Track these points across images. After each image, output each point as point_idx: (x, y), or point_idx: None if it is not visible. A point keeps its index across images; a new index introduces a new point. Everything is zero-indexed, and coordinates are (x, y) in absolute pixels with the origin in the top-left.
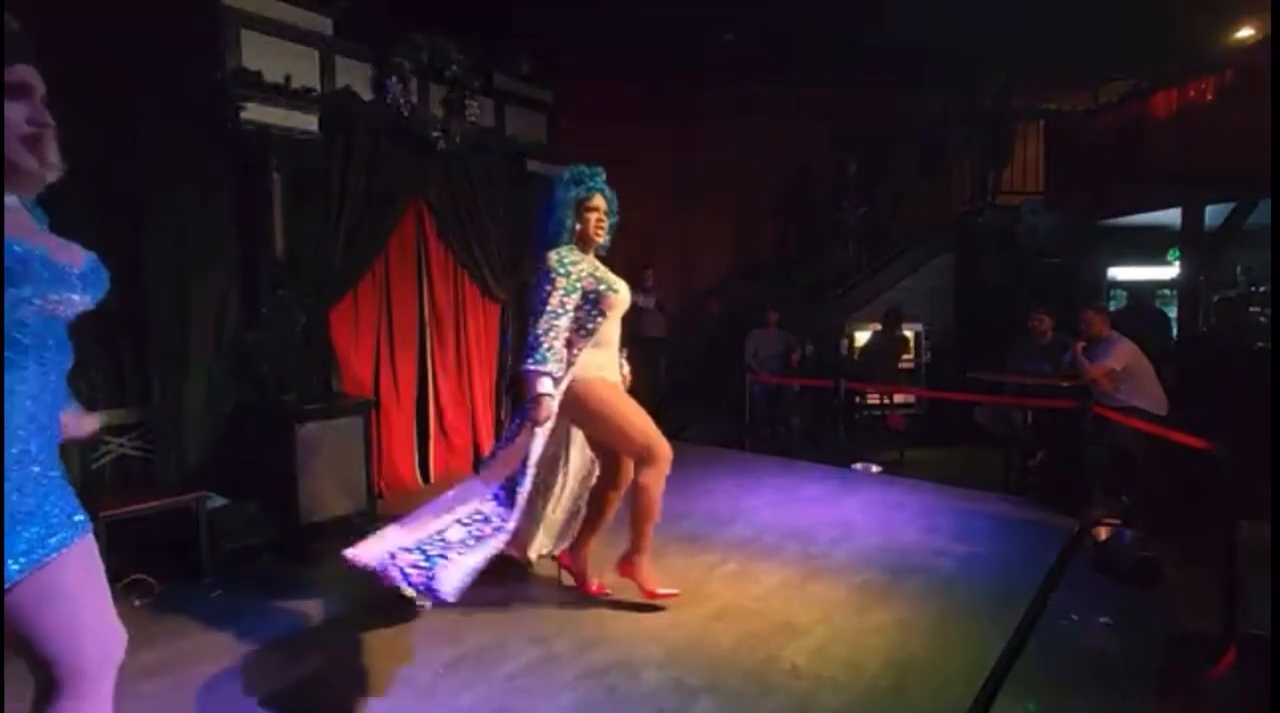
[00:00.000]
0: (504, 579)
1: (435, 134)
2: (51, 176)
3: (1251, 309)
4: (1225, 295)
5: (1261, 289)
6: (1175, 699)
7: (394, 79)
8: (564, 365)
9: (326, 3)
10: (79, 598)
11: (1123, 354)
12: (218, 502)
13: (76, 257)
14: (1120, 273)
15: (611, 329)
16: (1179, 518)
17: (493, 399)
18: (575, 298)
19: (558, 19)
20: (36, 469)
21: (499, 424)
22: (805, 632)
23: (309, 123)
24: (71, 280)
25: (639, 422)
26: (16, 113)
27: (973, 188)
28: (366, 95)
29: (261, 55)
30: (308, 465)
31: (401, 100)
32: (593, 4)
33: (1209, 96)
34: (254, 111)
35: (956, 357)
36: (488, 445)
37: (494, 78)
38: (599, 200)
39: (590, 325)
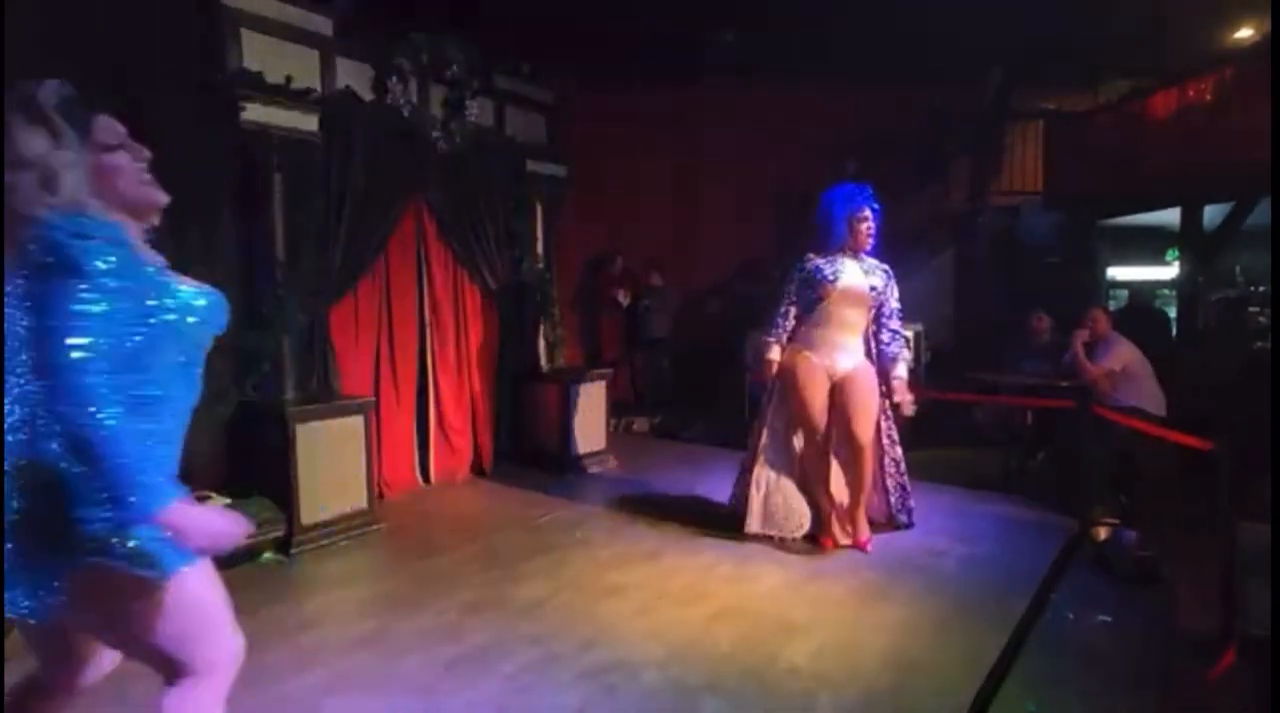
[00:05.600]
0: (503, 577)
1: (435, 134)
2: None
3: (1251, 309)
4: (1224, 295)
5: (1260, 289)
6: (1175, 699)
7: (394, 79)
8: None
9: (326, 3)
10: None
11: (1122, 355)
12: (218, 502)
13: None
14: (1120, 273)
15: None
16: (1179, 518)
17: (493, 399)
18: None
19: (558, 19)
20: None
21: (499, 424)
22: (805, 632)
23: (309, 123)
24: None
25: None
26: (124, 159)
27: (971, 187)
28: (366, 95)
29: (261, 55)
30: (308, 465)
31: (401, 100)
32: (593, 4)
33: (1209, 96)
34: (254, 112)
35: (956, 357)
36: (488, 445)
37: (494, 78)
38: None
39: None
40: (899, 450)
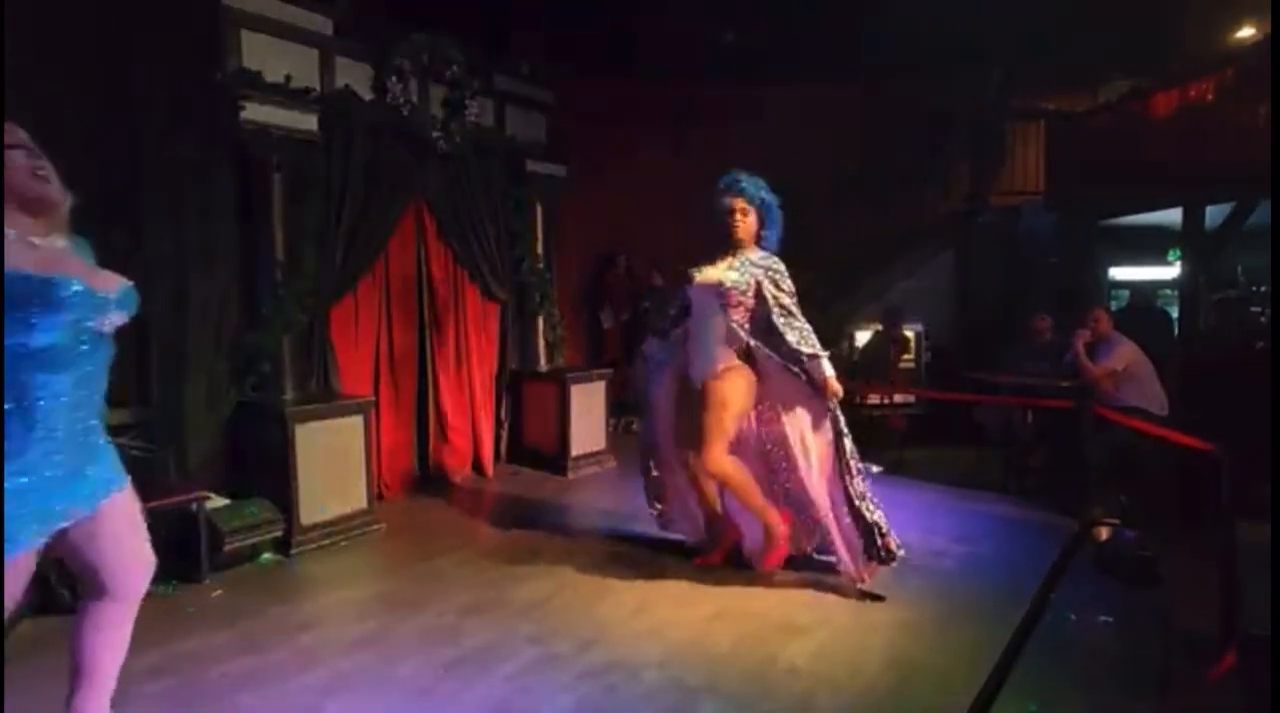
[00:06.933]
0: (502, 578)
1: (435, 134)
2: (68, 203)
3: (1252, 309)
4: (1225, 295)
5: (1261, 289)
6: (1175, 699)
7: (394, 79)
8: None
9: (326, 3)
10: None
11: (1123, 355)
12: (218, 502)
13: (112, 283)
14: (1120, 273)
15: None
16: (1179, 518)
17: (493, 399)
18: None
19: (558, 20)
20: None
21: (499, 424)
22: (805, 632)
23: (309, 123)
24: (109, 305)
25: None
26: (20, 157)
27: (971, 187)
28: (366, 95)
29: (261, 55)
30: (307, 465)
31: (401, 100)
32: (593, 5)
33: (1209, 96)
34: (254, 111)
35: (956, 357)
36: (488, 445)
37: (494, 78)
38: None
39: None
40: (857, 482)
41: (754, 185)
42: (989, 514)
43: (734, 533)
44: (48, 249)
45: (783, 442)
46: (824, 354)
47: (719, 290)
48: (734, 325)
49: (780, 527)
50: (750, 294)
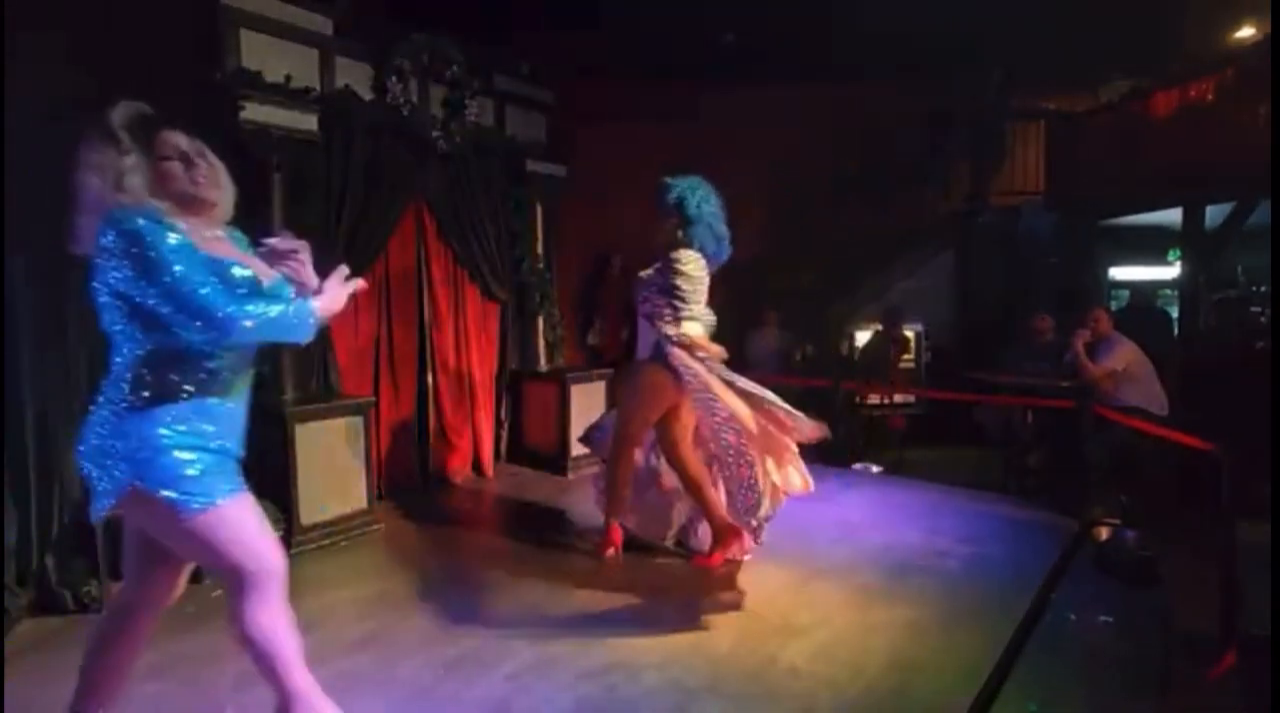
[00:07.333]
0: (503, 577)
1: (435, 134)
2: (229, 198)
3: (1252, 309)
4: (1225, 295)
5: (1261, 289)
6: (1175, 699)
7: (394, 79)
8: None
9: (327, 3)
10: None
11: (1123, 355)
12: None
13: (266, 272)
14: (1121, 273)
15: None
16: (1179, 518)
17: (493, 399)
18: None
19: (558, 19)
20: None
21: (499, 424)
22: (805, 632)
23: (308, 122)
24: (262, 293)
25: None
26: (176, 167)
27: (971, 187)
28: (366, 95)
29: (261, 55)
30: (307, 465)
31: (401, 100)
32: (593, 5)
33: (1209, 96)
34: (254, 111)
35: (956, 357)
36: (488, 445)
37: (494, 78)
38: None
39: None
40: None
41: (666, 191)
42: (990, 514)
43: (733, 535)
44: (212, 238)
45: (729, 420)
46: (688, 315)
47: (635, 289)
48: (645, 319)
49: (615, 530)
50: (654, 289)
